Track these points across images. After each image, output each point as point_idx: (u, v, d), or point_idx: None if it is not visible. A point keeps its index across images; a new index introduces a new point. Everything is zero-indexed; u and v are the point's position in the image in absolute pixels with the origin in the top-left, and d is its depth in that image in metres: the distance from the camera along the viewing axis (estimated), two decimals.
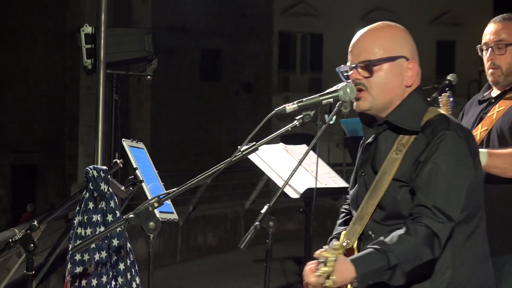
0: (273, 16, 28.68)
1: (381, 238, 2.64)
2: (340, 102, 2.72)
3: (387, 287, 2.63)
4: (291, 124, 2.73)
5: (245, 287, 10.32)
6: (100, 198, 3.76)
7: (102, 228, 3.72)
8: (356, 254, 2.65)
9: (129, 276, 3.76)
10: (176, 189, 2.79)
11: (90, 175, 3.73)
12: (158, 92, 22.10)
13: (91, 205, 3.73)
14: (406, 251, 2.57)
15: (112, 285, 3.74)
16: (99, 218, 3.75)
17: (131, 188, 3.83)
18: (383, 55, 2.76)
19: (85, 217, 3.72)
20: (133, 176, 3.77)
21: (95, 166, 3.86)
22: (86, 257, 3.70)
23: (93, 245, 3.69)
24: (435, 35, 31.56)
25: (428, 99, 2.89)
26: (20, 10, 21.66)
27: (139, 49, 6.67)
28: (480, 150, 3.53)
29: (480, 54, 3.89)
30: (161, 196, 2.78)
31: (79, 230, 3.71)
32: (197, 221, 13.24)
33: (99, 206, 3.76)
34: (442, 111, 2.82)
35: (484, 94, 3.91)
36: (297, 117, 2.72)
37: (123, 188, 3.84)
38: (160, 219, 2.82)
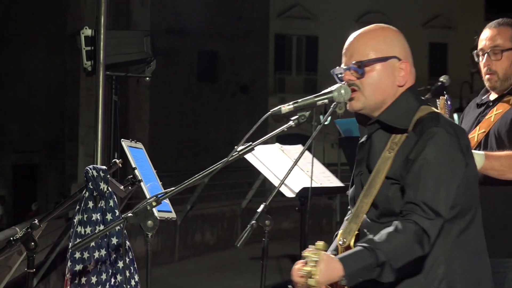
0: (269, 19, 28.70)
1: (370, 236, 2.65)
2: (335, 103, 2.74)
3: (379, 284, 2.64)
4: (286, 125, 2.75)
5: (242, 284, 10.33)
6: (100, 197, 3.75)
7: (102, 227, 3.71)
8: (344, 253, 2.67)
9: (128, 274, 3.76)
10: (174, 188, 2.80)
11: (89, 174, 3.73)
12: (157, 93, 22.10)
13: (90, 204, 3.73)
14: (395, 248, 2.58)
15: (112, 283, 3.74)
16: (98, 217, 3.75)
17: (130, 188, 3.82)
18: (374, 56, 2.79)
19: (85, 216, 3.72)
20: (132, 176, 3.76)
21: (94, 166, 3.85)
22: (85, 255, 3.70)
23: (92, 243, 3.69)
24: (427, 38, 31.79)
25: (423, 98, 2.90)
26: (21, 12, 21.69)
27: (138, 51, 6.65)
28: (478, 152, 3.58)
29: (476, 59, 3.90)
30: (159, 195, 2.79)
31: (79, 229, 3.71)
32: (195, 219, 13.26)
33: (99, 205, 3.76)
34: (434, 109, 2.81)
35: (482, 98, 3.92)
36: (293, 118, 2.74)
37: (122, 187, 3.84)
38: (158, 218, 2.83)
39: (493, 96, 3.86)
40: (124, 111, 17.16)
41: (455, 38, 31.45)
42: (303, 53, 31.98)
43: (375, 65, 2.79)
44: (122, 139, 3.91)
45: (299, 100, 2.75)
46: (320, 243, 2.55)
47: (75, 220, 3.74)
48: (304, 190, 4.75)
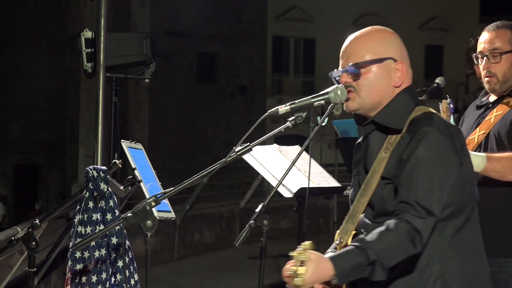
0: (267, 21, 28.73)
1: (362, 235, 2.66)
2: (332, 104, 2.75)
3: (375, 282, 2.63)
4: (283, 126, 2.76)
5: (240, 283, 10.35)
6: (100, 197, 3.76)
7: (102, 227, 3.72)
8: (335, 252, 2.67)
9: (127, 273, 3.77)
10: (173, 188, 2.81)
11: (90, 175, 3.74)
12: (156, 95, 22.12)
13: (91, 204, 3.74)
14: (386, 247, 2.57)
15: (112, 282, 3.75)
16: (98, 217, 3.76)
17: (129, 188, 3.84)
18: (370, 58, 2.80)
19: (85, 215, 3.73)
20: (131, 176, 3.79)
21: (95, 166, 3.86)
22: (86, 254, 3.72)
23: (93, 243, 3.70)
24: (423, 40, 31.92)
25: (420, 98, 2.90)
26: (22, 15, 21.72)
27: (137, 53, 6.68)
28: (479, 154, 3.60)
29: (476, 62, 3.90)
30: (158, 195, 2.80)
31: (79, 229, 3.72)
32: (194, 219, 13.28)
33: (99, 205, 3.77)
34: (431, 109, 2.81)
35: (482, 100, 3.92)
36: (290, 119, 2.75)
37: (122, 187, 3.87)
38: (158, 218, 2.86)
39: (492, 98, 3.87)
40: (124, 112, 17.19)
41: (451, 40, 31.54)
42: (300, 55, 32.04)
43: (371, 67, 2.80)
44: (122, 140, 3.94)
45: (296, 101, 2.76)
46: (307, 243, 2.53)
47: (75, 220, 3.76)
48: (302, 190, 4.76)
